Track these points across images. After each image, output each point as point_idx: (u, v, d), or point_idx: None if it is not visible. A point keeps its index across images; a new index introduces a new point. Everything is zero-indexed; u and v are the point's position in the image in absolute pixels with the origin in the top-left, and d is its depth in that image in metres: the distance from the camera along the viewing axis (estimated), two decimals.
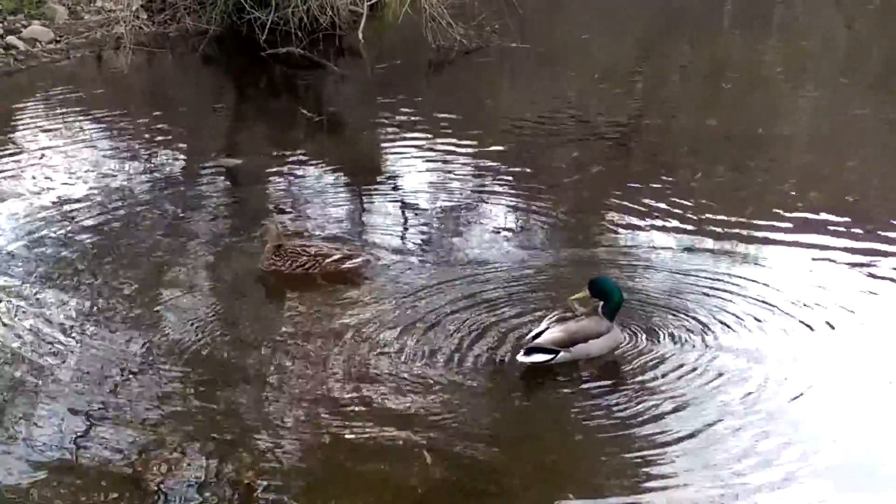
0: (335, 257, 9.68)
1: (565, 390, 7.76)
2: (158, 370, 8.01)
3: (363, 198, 12.04)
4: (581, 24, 19.62)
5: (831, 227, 10.33)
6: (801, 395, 7.52)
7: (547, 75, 16.71)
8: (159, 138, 14.07)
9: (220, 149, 13.82)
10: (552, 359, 7.93)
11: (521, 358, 7.91)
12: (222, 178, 12.65)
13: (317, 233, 10.77)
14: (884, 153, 12.47)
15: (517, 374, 7.92)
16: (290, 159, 13.19)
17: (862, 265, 9.47)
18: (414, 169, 12.84)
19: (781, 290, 9.01)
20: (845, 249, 9.80)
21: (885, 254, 9.70)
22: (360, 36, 17.73)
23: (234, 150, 13.78)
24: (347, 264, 9.67)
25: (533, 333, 8.01)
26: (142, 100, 16.82)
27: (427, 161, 13.13)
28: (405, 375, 7.87)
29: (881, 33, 18.11)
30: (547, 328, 8.01)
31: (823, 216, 10.59)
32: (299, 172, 12.77)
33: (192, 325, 8.69)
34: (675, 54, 17.77)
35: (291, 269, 9.69)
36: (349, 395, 7.66)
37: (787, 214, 10.68)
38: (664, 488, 6.61)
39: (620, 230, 10.68)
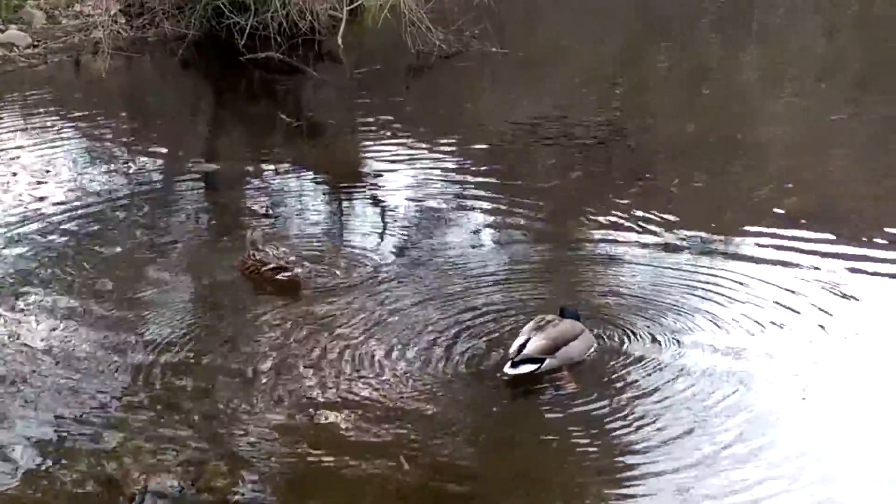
0: (270, 266, 9.67)
1: (544, 395, 7.73)
2: (135, 376, 7.96)
3: (343, 202, 12.04)
4: (561, 30, 19.65)
5: (810, 232, 10.34)
6: (781, 396, 7.52)
7: (527, 80, 16.72)
8: (137, 143, 14.02)
9: (199, 153, 13.80)
10: (539, 367, 7.93)
11: (509, 370, 7.86)
12: (200, 182, 12.61)
13: (294, 238, 10.72)
14: (861, 158, 12.54)
15: (495, 381, 7.87)
16: (269, 164, 13.16)
17: (840, 268, 9.49)
18: (394, 173, 12.82)
19: (760, 293, 9.04)
20: (823, 253, 9.82)
21: (863, 257, 9.71)
22: (340, 41, 17.70)
23: (213, 154, 13.75)
24: (279, 276, 9.62)
25: (517, 345, 7.94)
26: (120, 104, 16.76)
27: (407, 166, 13.12)
28: (384, 380, 7.85)
29: (859, 39, 18.22)
30: (528, 338, 7.98)
31: (802, 220, 10.60)
32: (278, 177, 12.73)
33: (170, 330, 8.65)
34: (654, 60, 17.80)
35: (242, 270, 9.78)
36: (327, 400, 7.63)
37: (766, 218, 10.70)
38: (642, 495, 6.60)
39: (600, 234, 10.67)
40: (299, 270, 9.70)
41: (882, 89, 14.96)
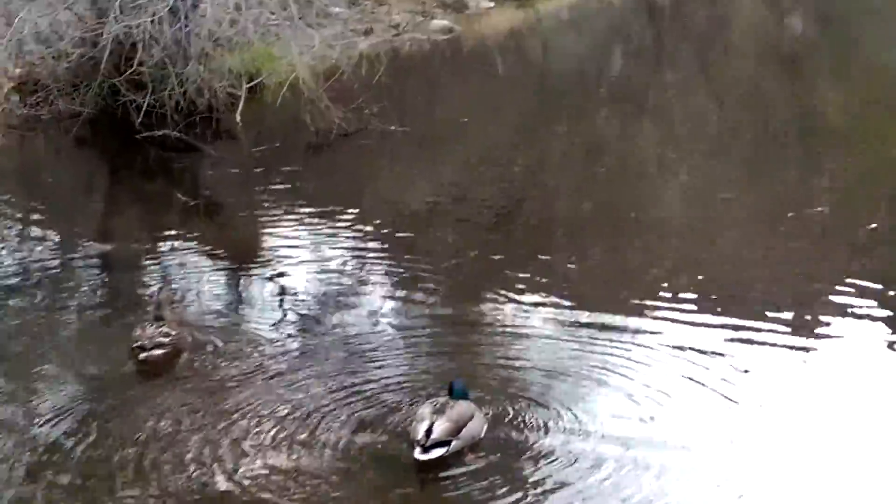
0: (138, 343, 9.59)
1: (453, 477, 7.68)
2: (25, 465, 7.73)
3: (240, 281, 11.94)
4: (460, 107, 19.87)
5: (702, 310, 10.51)
6: (673, 478, 7.54)
7: (426, 158, 16.86)
8: (30, 223, 13.77)
9: (93, 233, 13.55)
10: (448, 450, 7.88)
11: (421, 455, 7.76)
12: (95, 263, 12.39)
13: (190, 318, 10.58)
14: (750, 236, 12.83)
15: (401, 465, 7.81)
16: (165, 244, 13.03)
17: (731, 347, 9.63)
18: (292, 252, 12.75)
19: (659, 371, 9.13)
20: (716, 329, 9.99)
21: (754, 331, 9.92)
22: (238, 118, 17.67)
23: (108, 234, 13.54)
24: (144, 354, 9.55)
25: (423, 430, 7.82)
26: (12, 184, 16.46)
27: (306, 244, 13.10)
28: (281, 466, 7.72)
29: (749, 116, 18.70)
30: (432, 422, 7.93)
31: (694, 298, 10.78)
32: (174, 257, 12.61)
33: (60, 417, 8.43)
34: (552, 137, 18.06)
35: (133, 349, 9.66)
36: (220, 489, 7.46)
37: (660, 297, 10.83)
38: None
39: (499, 312, 10.72)
40: (186, 344, 9.65)
41: (769, 167, 15.38)
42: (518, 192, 14.97)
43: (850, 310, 10.46)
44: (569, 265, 12.08)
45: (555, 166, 16.45)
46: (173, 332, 9.73)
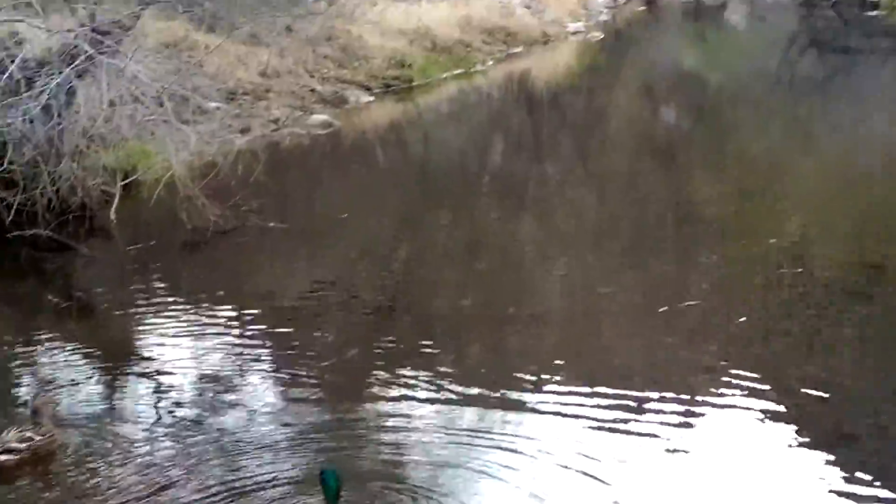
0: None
1: None
2: None
3: (115, 382, 11.74)
4: (340, 202, 19.81)
5: (581, 403, 10.74)
6: None
7: (306, 255, 16.75)
8: None
9: None
10: None
11: None
12: None
13: (63, 422, 10.32)
14: (626, 332, 13.10)
15: None
16: (36, 348, 12.70)
17: (610, 438, 9.90)
18: (168, 351, 12.56)
19: (535, 466, 9.27)
20: (594, 421, 10.25)
21: (628, 432, 10.13)
22: (113, 216, 17.34)
23: None
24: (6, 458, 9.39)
25: None
26: None
27: (182, 343, 12.90)
28: None
29: (628, 208, 19.04)
30: None
31: (573, 391, 11.01)
32: (46, 361, 12.31)
33: None
34: (433, 231, 18.15)
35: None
36: None
37: (540, 390, 11.07)
38: None
39: (379, 410, 10.79)
40: (55, 449, 9.41)
41: (646, 259, 15.66)
42: (399, 287, 14.97)
43: (723, 402, 10.82)
44: (450, 360, 12.14)
45: (436, 260, 16.49)
46: (37, 437, 9.50)
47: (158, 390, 11.39)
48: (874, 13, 49.31)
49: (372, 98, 28.65)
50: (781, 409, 10.64)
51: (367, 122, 27.23)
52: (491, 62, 34.80)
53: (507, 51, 36.70)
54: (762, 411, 10.54)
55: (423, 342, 12.68)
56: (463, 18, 35.86)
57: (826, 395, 10.93)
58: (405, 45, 32.21)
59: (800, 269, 14.94)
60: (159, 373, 11.83)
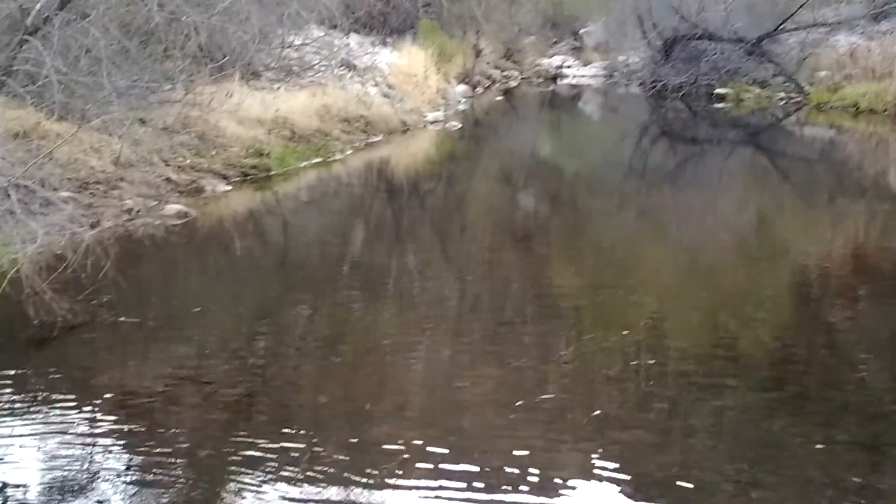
0: None
1: None
2: None
3: None
4: (195, 294, 19.49)
5: (439, 496, 10.94)
6: None
7: (159, 350, 16.34)
8: None
9: None
10: None
11: None
12: None
13: None
14: (482, 429, 13.13)
15: None
16: None
17: None
18: (14, 452, 12.13)
19: None
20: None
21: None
22: None
23: None
24: None
25: None
26: None
27: (30, 443, 12.39)
28: None
29: (484, 299, 19.18)
30: None
31: (426, 486, 11.14)
32: None
33: None
34: (290, 323, 17.91)
35: None
36: None
37: (397, 487, 11.13)
38: None
39: (235, 499, 10.81)
40: None
41: (503, 352, 15.76)
42: (256, 382, 14.70)
43: (580, 495, 10.87)
44: (307, 458, 11.99)
45: (293, 354, 16.25)
46: None
47: (4, 491, 10.97)
48: (720, 105, 51.64)
49: (229, 187, 28.42)
50: (638, 499, 10.79)
51: (225, 211, 26.95)
52: (350, 151, 35.01)
53: (366, 139, 37.03)
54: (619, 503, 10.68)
55: (280, 441, 12.48)
56: (321, 108, 36.06)
57: (683, 485, 11.14)
58: (263, 133, 32.18)
59: (652, 361, 15.22)
60: (2, 480, 11.34)
